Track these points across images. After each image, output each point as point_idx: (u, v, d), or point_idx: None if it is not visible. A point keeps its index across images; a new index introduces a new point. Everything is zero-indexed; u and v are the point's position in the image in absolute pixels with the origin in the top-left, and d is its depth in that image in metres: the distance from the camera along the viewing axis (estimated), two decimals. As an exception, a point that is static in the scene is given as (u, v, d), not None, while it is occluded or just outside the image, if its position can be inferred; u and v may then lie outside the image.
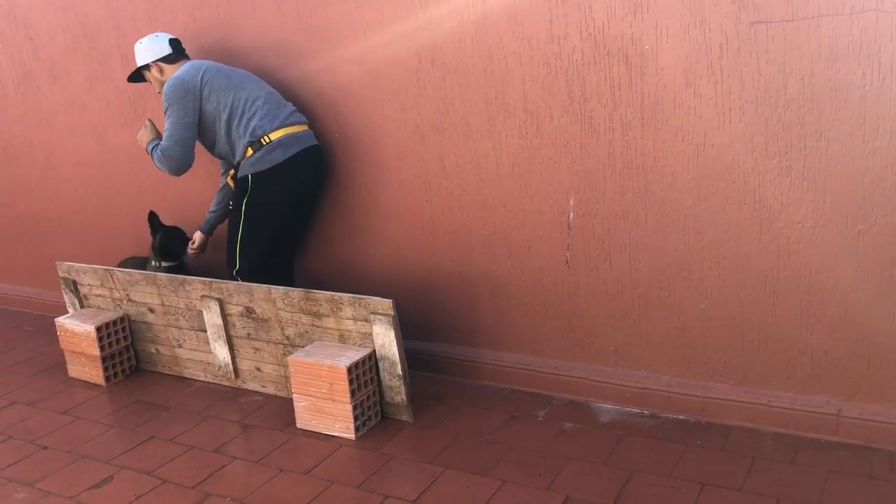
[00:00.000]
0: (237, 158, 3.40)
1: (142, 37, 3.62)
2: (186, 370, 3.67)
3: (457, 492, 2.58)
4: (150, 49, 3.50)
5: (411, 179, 3.33)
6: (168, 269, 3.80)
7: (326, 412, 2.99)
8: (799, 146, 2.54)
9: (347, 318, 3.04)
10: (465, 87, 3.09)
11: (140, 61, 3.54)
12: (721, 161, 2.67)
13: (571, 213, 3.00)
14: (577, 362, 3.14)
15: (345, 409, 2.94)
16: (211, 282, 3.35)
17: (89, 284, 3.79)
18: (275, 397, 3.38)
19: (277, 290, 3.18)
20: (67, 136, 4.40)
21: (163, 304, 3.58)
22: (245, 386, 3.48)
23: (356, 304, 3.00)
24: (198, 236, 3.80)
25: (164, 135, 3.38)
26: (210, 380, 3.59)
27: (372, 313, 2.96)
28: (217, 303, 3.35)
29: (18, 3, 4.33)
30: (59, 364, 3.92)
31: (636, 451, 2.73)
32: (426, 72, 3.16)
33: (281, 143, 3.30)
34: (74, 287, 3.85)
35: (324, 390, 2.96)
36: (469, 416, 3.08)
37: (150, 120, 3.58)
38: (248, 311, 3.30)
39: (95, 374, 3.68)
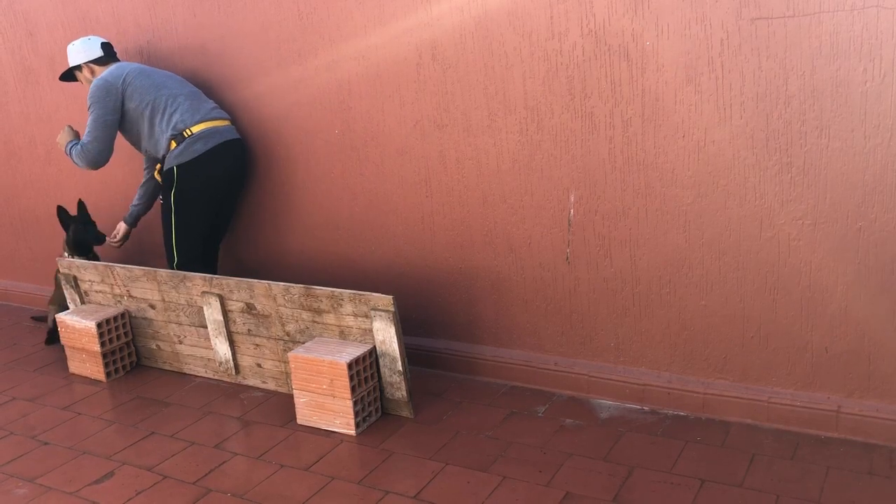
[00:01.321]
0: (162, 152, 3.57)
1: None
2: (187, 366, 3.67)
3: (457, 488, 2.58)
4: (82, 51, 3.70)
5: (412, 175, 3.33)
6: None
7: (327, 408, 2.99)
8: (800, 143, 2.54)
9: (348, 314, 3.05)
10: (465, 83, 3.09)
11: (72, 62, 3.73)
12: (722, 158, 2.67)
13: (572, 210, 3.00)
14: (577, 359, 3.15)
15: (345, 405, 2.94)
16: (212, 278, 3.36)
17: (90, 280, 3.80)
18: (275, 393, 3.39)
19: (278, 286, 3.18)
20: (68, 132, 4.40)
21: (163, 301, 3.58)
22: (245, 382, 3.49)
23: (357, 300, 3.00)
24: (121, 227, 4.00)
25: (86, 132, 3.56)
26: (211, 376, 3.60)
27: (372, 309, 2.96)
28: (218, 299, 3.35)
29: (19, -2, 4.33)
30: (59, 360, 3.93)
31: (636, 448, 2.73)
32: (427, 67, 3.16)
33: (202, 135, 3.49)
34: (75, 283, 3.85)
35: (324, 386, 2.96)
36: (469, 413, 3.08)
37: (69, 125, 3.79)
38: (249, 307, 3.31)
39: (96, 370, 3.68)
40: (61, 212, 4.00)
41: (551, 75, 2.89)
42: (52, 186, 4.60)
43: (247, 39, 3.60)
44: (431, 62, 3.14)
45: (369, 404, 3.03)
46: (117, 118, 3.57)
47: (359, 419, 2.98)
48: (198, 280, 3.40)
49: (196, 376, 3.64)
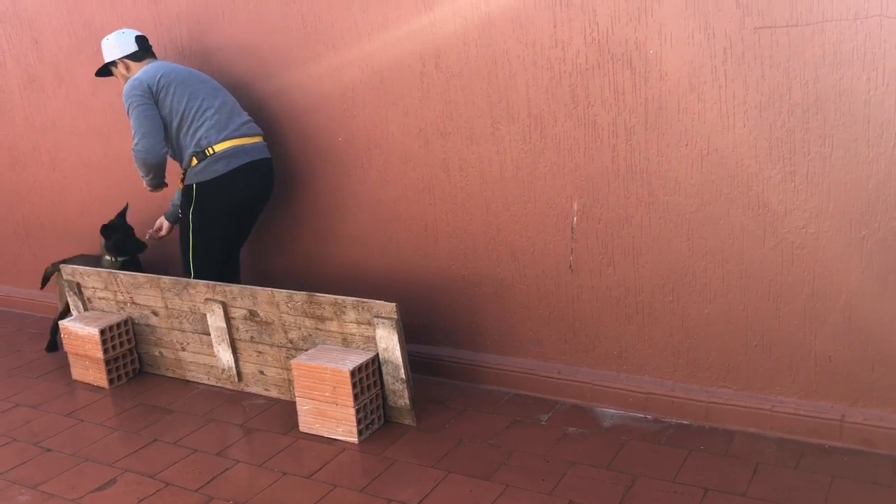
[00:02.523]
0: (183, 165, 3.50)
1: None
2: (190, 373, 3.67)
3: (460, 496, 2.58)
4: (116, 46, 3.57)
5: (415, 183, 3.33)
6: (123, 264, 3.92)
7: (329, 416, 2.99)
8: (803, 151, 2.54)
9: (351, 322, 3.05)
10: (468, 91, 3.09)
11: (107, 57, 3.61)
12: (725, 166, 2.67)
13: (575, 218, 3.00)
14: (580, 367, 3.14)
15: (348, 412, 2.94)
16: (215, 285, 3.36)
17: (93, 287, 3.80)
18: (278, 401, 3.38)
19: (281, 294, 3.19)
20: (72, 139, 4.41)
21: (166, 307, 3.58)
22: (248, 389, 3.49)
23: (359, 308, 3.00)
24: (164, 224, 3.86)
25: (133, 134, 3.44)
26: (213, 383, 3.60)
27: (375, 317, 2.96)
28: (221, 306, 3.35)
29: (24, 6, 4.34)
30: (62, 367, 3.93)
31: (639, 456, 2.72)
32: (430, 75, 3.16)
33: (225, 154, 3.38)
34: (79, 289, 3.86)
35: (327, 394, 2.96)
36: (472, 420, 3.08)
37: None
38: (252, 315, 3.31)
39: (99, 377, 3.68)
40: (105, 228, 3.92)
41: (554, 83, 2.90)
42: (55, 193, 4.61)
43: (248, 46, 3.61)
44: (435, 70, 3.15)
45: (372, 412, 3.03)
46: (157, 112, 3.43)
47: (361, 427, 2.97)
48: (201, 287, 3.40)
49: (199, 383, 3.64)
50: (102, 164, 4.33)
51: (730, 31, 2.55)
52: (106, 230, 3.92)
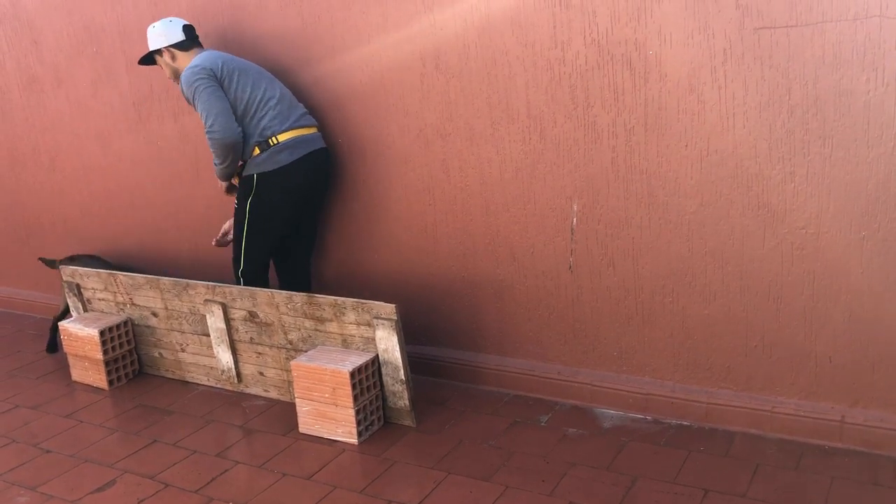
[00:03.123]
0: (244, 155, 3.40)
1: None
2: (189, 374, 3.67)
3: (459, 497, 2.57)
4: (162, 34, 3.46)
5: (415, 184, 3.33)
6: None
7: (329, 417, 2.99)
8: (803, 152, 2.54)
9: (350, 323, 3.04)
10: (468, 92, 3.09)
11: (152, 45, 3.49)
12: (725, 166, 2.67)
13: (575, 219, 3.00)
14: (580, 367, 3.14)
15: (347, 413, 2.94)
16: (214, 286, 3.36)
17: (93, 288, 3.80)
18: (277, 402, 3.38)
19: (280, 295, 3.18)
20: (72, 140, 4.41)
21: (166, 308, 3.58)
22: (248, 390, 3.48)
23: (359, 309, 2.99)
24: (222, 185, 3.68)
25: (204, 118, 3.29)
26: (213, 384, 3.59)
27: (375, 318, 2.96)
28: (220, 307, 3.35)
29: (24, 7, 4.34)
30: (62, 368, 3.93)
31: (639, 457, 2.72)
32: (430, 76, 3.16)
33: (288, 144, 3.31)
34: (78, 291, 3.85)
35: (326, 395, 2.96)
36: (472, 421, 3.07)
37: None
38: (252, 316, 3.31)
39: (98, 378, 3.68)
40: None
41: (554, 84, 2.90)
42: (55, 194, 4.61)
43: (248, 48, 3.61)
44: (435, 71, 3.14)
45: (371, 413, 3.03)
46: (224, 94, 3.29)
47: (361, 428, 2.97)
48: (200, 288, 3.40)
49: (198, 384, 3.64)
50: (102, 164, 4.33)
51: (729, 32, 2.55)
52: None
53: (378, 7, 3.20)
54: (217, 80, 3.29)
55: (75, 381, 3.78)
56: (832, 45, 2.42)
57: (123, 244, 4.38)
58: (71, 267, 3.85)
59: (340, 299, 3.03)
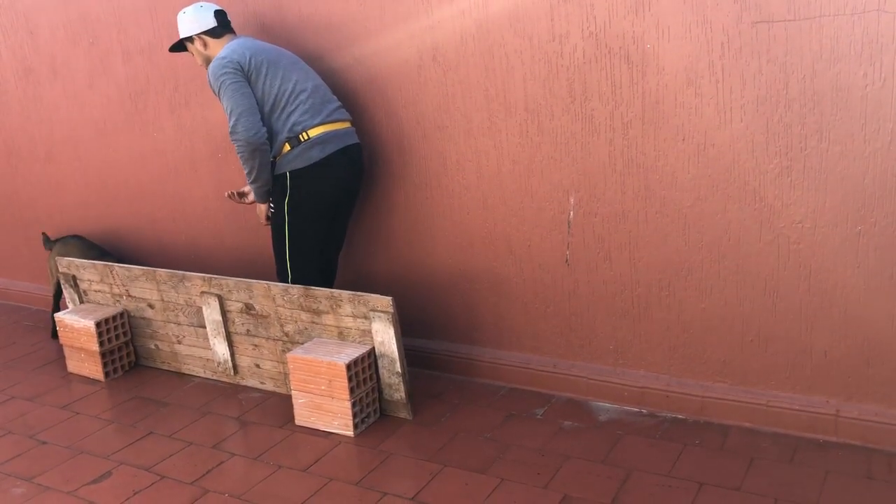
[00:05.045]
0: (274, 153, 3.21)
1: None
2: (185, 366, 3.67)
3: (455, 489, 2.58)
4: (194, 20, 3.29)
5: (412, 176, 3.32)
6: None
7: (325, 409, 2.99)
8: (800, 146, 2.54)
9: (347, 315, 3.04)
10: (466, 85, 3.09)
11: (183, 32, 3.33)
12: (722, 161, 2.67)
13: (572, 212, 3.00)
14: (576, 361, 3.15)
15: (344, 406, 2.94)
16: (210, 278, 3.35)
17: (89, 280, 3.79)
18: (274, 394, 3.38)
19: (277, 287, 3.18)
20: (68, 132, 4.40)
21: (162, 300, 3.58)
22: (244, 382, 3.49)
23: (355, 301, 2.99)
24: (252, 195, 3.40)
25: (228, 115, 3.13)
26: (209, 376, 3.59)
27: (371, 310, 2.96)
28: (216, 299, 3.35)
29: (20, -3, 4.33)
30: (58, 359, 3.92)
31: (635, 451, 2.73)
32: (427, 69, 3.16)
33: (320, 139, 3.15)
34: (74, 282, 3.85)
35: (323, 387, 2.96)
36: (468, 414, 3.08)
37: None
38: (248, 308, 3.30)
39: (95, 370, 3.68)
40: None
41: (552, 77, 2.89)
42: (52, 185, 4.60)
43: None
44: (432, 64, 3.14)
45: (368, 405, 3.03)
46: (251, 90, 3.14)
47: (357, 420, 2.97)
48: (196, 280, 3.40)
49: (194, 376, 3.64)
50: (99, 156, 4.32)
51: (727, 26, 2.55)
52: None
53: (376, 5, 3.20)
54: (244, 73, 3.13)
55: (71, 373, 3.78)
56: (830, 40, 2.42)
57: (119, 235, 4.37)
58: (67, 259, 3.85)
59: (337, 292, 3.03)
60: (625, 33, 2.71)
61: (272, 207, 3.29)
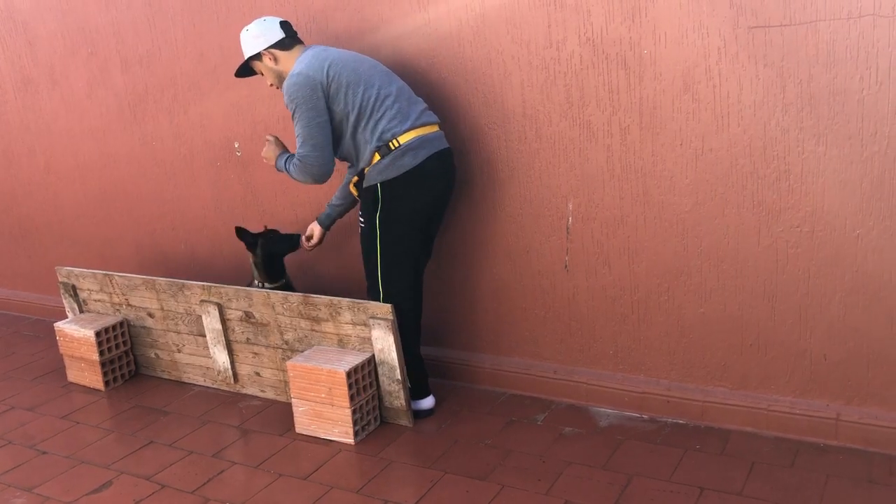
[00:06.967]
0: (362, 164, 3.00)
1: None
2: (185, 375, 3.67)
3: (456, 496, 2.57)
4: (260, 35, 3.03)
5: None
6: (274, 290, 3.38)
7: (325, 417, 2.99)
8: (797, 150, 2.54)
9: (346, 323, 3.04)
10: (463, 91, 3.09)
11: (249, 51, 3.06)
12: (719, 165, 2.67)
13: (570, 218, 3.00)
14: (576, 366, 3.14)
15: (344, 413, 2.94)
16: (210, 286, 3.36)
17: (88, 289, 3.79)
18: (274, 402, 3.38)
19: (276, 295, 3.18)
20: (67, 141, 4.41)
21: (162, 309, 3.58)
22: (244, 390, 3.48)
23: (355, 309, 3.00)
24: (315, 230, 3.38)
25: (298, 141, 2.95)
26: (209, 384, 3.59)
27: (371, 318, 2.96)
28: (216, 307, 3.35)
29: (18, 7, 4.33)
30: (58, 369, 3.92)
31: (635, 456, 2.73)
32: (424, 75, 3.16)
33: (411, 146, 2.91)
34: (74, 292, 3.85)
35: (323, 395, 2.96)
36: (468, 421, 3.08)
37: (272, 136, 3.18)
38: (248, 316, 3.31)
39: (95, 379, 3.68)
40: (241, 232, 3.44)
41: (549, 83, 2.90)
42: (50, 195, 4.61)
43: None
44: (429, 70, 3.14)
45: (368, 413, 3.03)
46: (328, 118, 2.92)
47: (357, 428, 2.97)
48: (196, 289, 3.40)
49: (195, 385, 3.63)
50: (98, 165, 4.32)
51: (724, 31, 2.56)
52: (242, 233, 3.45)
53: (373, 5, 3.19)
54: (324, 90, 2.90)
55: (71, 383, 3.78)
56: (826, 44, 2.43)
57: (118, 245, 4.37)
58: (66, 268, 3.85)
59: (336, 299, 3.03)
60: (622, 39, 2.72)
61: (361, 222, 3.07)
